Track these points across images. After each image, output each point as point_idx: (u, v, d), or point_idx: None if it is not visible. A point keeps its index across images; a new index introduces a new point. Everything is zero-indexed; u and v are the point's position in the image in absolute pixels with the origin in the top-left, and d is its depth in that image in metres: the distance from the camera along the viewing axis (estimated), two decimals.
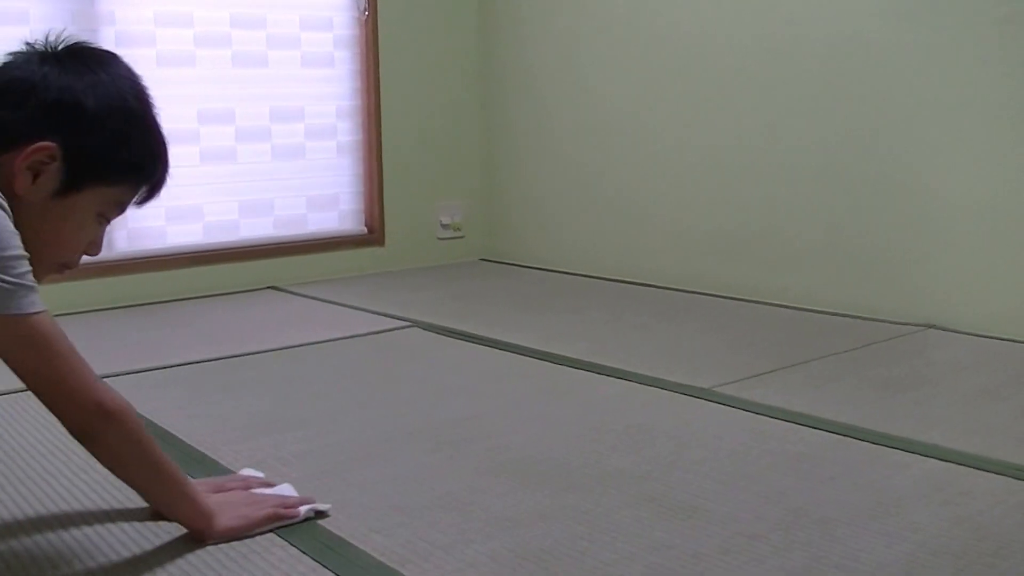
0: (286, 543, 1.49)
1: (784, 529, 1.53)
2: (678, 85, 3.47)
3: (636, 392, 2.27)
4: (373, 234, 3.96)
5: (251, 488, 1.63)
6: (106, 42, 3.16)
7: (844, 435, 1.95)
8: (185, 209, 3.50)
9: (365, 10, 3.87)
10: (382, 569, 1.41)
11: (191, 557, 1.44)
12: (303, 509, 1.57)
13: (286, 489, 1.64)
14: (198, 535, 1.48)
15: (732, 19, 3.27)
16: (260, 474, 1.73)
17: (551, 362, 2.53)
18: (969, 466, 1.78)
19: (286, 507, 1.55)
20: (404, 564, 1.43)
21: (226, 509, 1.51)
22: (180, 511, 1.48)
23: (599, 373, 2.42)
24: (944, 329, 2.80)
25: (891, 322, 2.89)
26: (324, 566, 1.42)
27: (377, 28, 3.88)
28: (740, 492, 1.68)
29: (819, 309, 3.08)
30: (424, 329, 2.92)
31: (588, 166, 3.81)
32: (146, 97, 1.46)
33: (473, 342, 2.75)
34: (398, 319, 3.05)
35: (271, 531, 1.52)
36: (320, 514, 1.59)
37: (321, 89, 3.83)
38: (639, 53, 3.58)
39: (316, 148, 3.83)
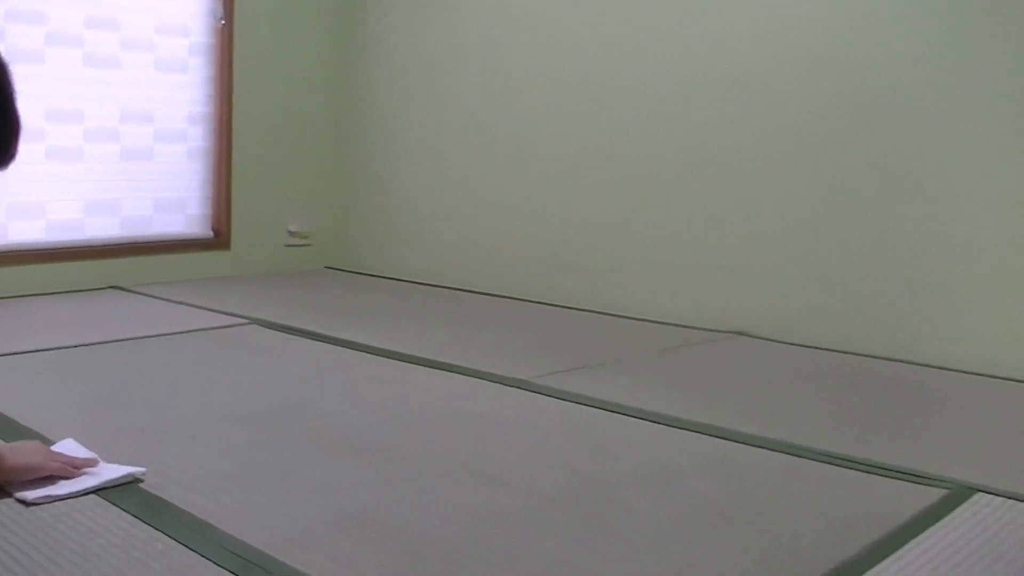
0: (108, 503, 1.58)
1: (575, 494, 1.69)
2: (521, 104, 3.65)
3: (458, 382, 2.42)
4: (220, 238, 4.02)
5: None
6: None
7: (639, 418, 2.14)
8: (28, 206, 3.51)
9: (221, 18, 3.94)
10: (200, 524, 1.52)
11: (13, 515, 1.52)
12: (121, 472, 1.67)
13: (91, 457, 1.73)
14: None
15: (569, 49, 3.48)
16: (81, 447, 1.80)
17: (380, 356, 2.67)
18: (745, 443, 1.98)
19: (74, 466, 1.66)
20: (222, 521, 1.53)
21: (16, 453, 1.63)
22: None
23: (424, 365, 2.57)
24: (751, 336, 3.03)
25: (704, 329, 3.12)
26: (144, 522, 1.51)
27: (233, 36, 3.96)
28: (542, 464, 1.84)
29: (641, 317, 3.29)
30: (263, 327, 3.02)
31: (436, 181, 3.96)
32: (8, 76, 1.53)
33: (309, 338, 2.86)
34: (238, 317, 3.13)
35: (94, 493, 1.61)
36: (136, 480, 1.68)
37: (173, 94, 3.88)
38: (491, 71, 3.75)
39: (165, 152, 3.88)
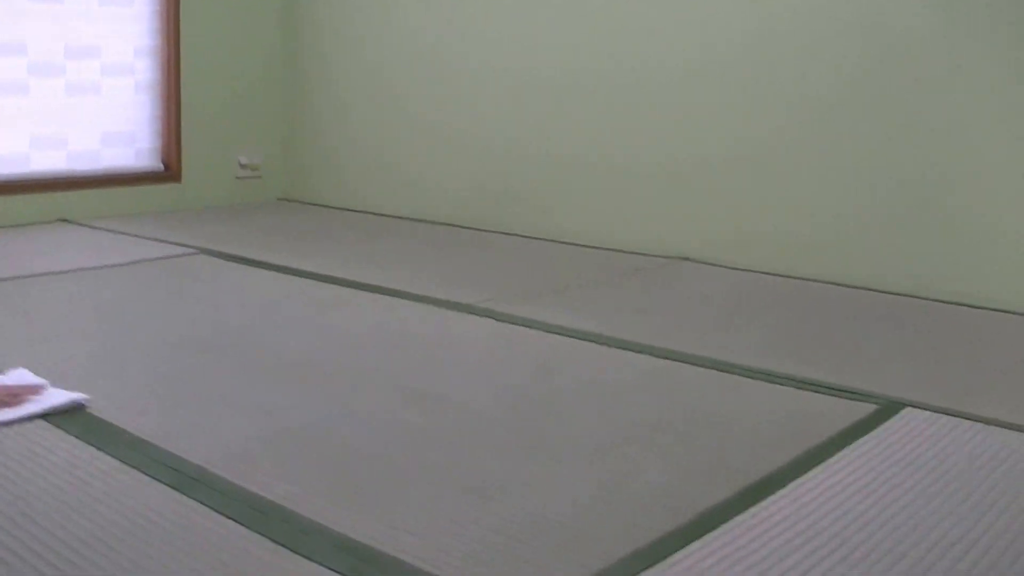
0: (52, 427, 1.58)
1: (514, 410, 1.71)
2: (474, 33, 3.62)
3: (404, 307, 2.43)
4: (170, 171, 3.98)
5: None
6: None
7: (580, 339, 2.16)
8: None
9: None
10: (142, 444, 1.52)
11: None
12: (66, 398, 1.66)
13: (46, 388, 1.73)
14: None
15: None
16: (32, 376, 1.79)
17: (328, 283, 2.66)
18: (682, 361, 2.01)
19: (12, 393, 1.66)
20: (164, 441, 1.54)
21: None
22: None
23: (371, 292, 2.57)
24: (696, 261, 3.06)
25: (650, 255, 3.14)
26: (87, 443, 1.52)
27: None
28: (482, 383, 1.85)
29: (589, 244, 3.30)
30: (211, 256, 3.00)
31: (388, 113, 3.93)
32: None
33: (257, 267, 2.85)
34: (187, 247, 3.11)
35: (40, 418, 1.61)
36: (80, 406, 1.67)
37: (120, 27, 3.81)
38: (437, 11, 3.72)
39: (112, 85, 3.81)
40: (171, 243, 3.19)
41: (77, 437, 1.54)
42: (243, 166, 4.17)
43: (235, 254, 3.02)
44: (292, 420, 1.65)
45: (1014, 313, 2.50)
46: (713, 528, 1.29)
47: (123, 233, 3.38)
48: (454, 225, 3.68)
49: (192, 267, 2.87)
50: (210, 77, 4.02)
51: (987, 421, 1.71)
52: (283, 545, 1.22)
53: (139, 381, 1.83)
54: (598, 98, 3.28)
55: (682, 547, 1.24)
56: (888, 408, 1.77)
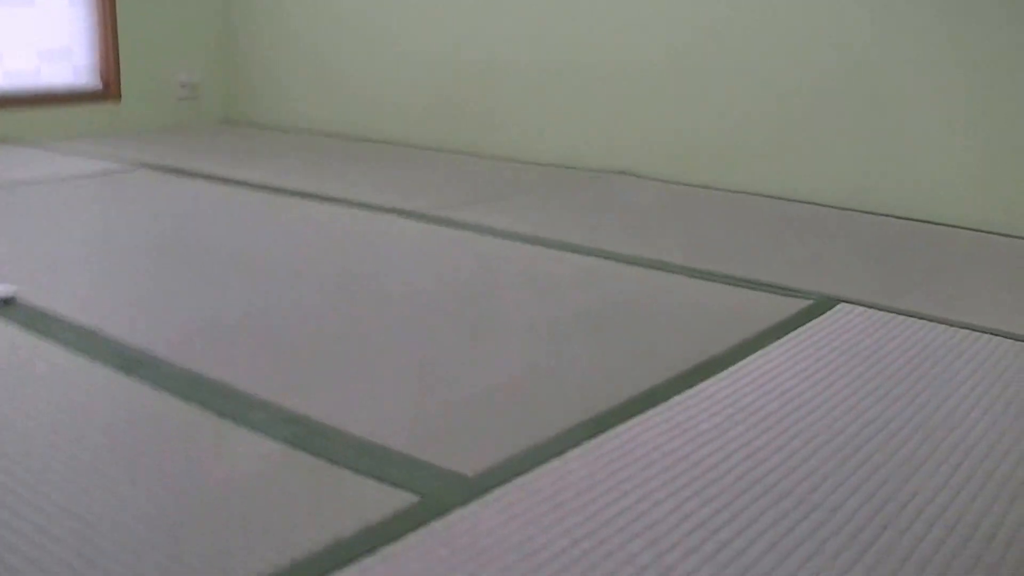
0: None
1: (456, 301, 1.70)
2: None
3: (351, 213, 2.40)
4: (109, 90, 3.87)
5: None
6: None
7: (522, 241, 2.16)
8: None
9: None
10: (85, 331, 1.49)
11: None
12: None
13: None
14: None
15: None
16: None
17: (273, 192, 2.62)
18: (621, 262, 2.01)
19: None
20: (109, 329, 1.51)
21: None
22: None
23: (318, 200, 2.53)
24: (634, 175, 3.06)
25: (591, 169, 3.13)
26: (30, 330, 1.49)
27: None
28: (423, 278, 1.84)
29: (532, 161, 3.28)
30: (154, 170, 2.93)
31: (330, 31, 3.85)
32: None
33: (201, 179, 2.79)
34: (127, 163, 3.04)
35: None
36: (9, 299, 1.64)
37: None
38: None
39: None
40: (111, 160, 3.11)
41: (20, 324, 1.51)
42: (183, 85, 4.07)
43: (179, 167, 2.96)
44: (235, 311, 1.62)
45: (938, 224, 2.53)
46: (655, 404, 1.30)
47: (63, 151, 3.30)
48: (399, 143, 3.63)
49: (134, 180, 2.80)
50: None
51: (916, 315, 1.73)
52: (228, 418, 1.21)
53: (83, 279, 1.79)
54: (544, 13, 3.24)
55: (625, 420, 1.24)
56: (822, 303, 1.79)
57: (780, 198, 2.80)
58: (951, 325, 1.69)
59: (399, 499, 1.02)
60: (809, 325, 1.66)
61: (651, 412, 1.27)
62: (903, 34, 2.58)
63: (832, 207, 2.71)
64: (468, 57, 3.44)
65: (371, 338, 1.52)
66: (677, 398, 1.33)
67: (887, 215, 2.62)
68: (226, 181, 2.76)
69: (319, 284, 1.80)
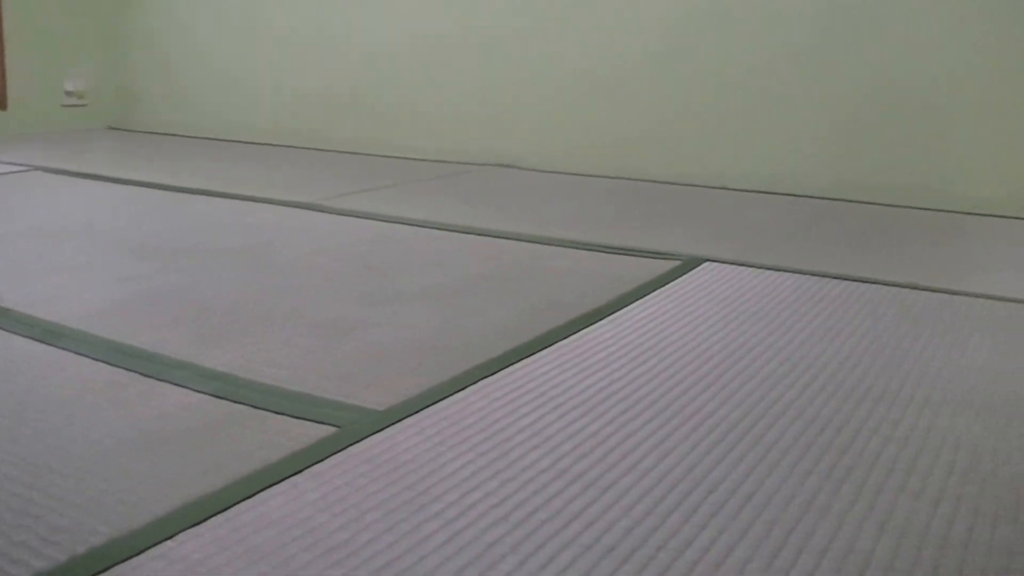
0: None
1: (360, 271, 1.77)
2: None
3: (245, 207, 2.44)
4: None
5: None
6: None
7: (416, 225, 2.23)
8: None
9: None
10: (10, 313, 1.52)
11: None
12: None
13: None
14: None
15: None
16: None
17: (167, 190, 2.64)
18: (509, 239, 2.11)
19: None
20: (26, 307, 1.53)
21: None
22: None
23: (212, 196, 2.56)
24: (516, 167, 3.16)
25: (475, 163, 3.22)
26: None
27: None
28: (326, 255, 1.91)
29: (423, 157, 3.36)
30: (47, 172, 2.92)
31: (216, 39, 3.86)
32: None
33: (97, 180, 2.79)
34: (19, 165, 3.02)
35: None
36: None
37: None
38: None
39: None
40: (3, 162, 3.08)
41: None
42: (69, 93, 4.03)
43: (71, 170, 2.95)
44: (149, 285, 1.67)
45: (794, 196, 2.69)
46: (547, 346, 1.40)
47: None
48: (287, 145, 3.67)
49: (28, 181, 2.79)
50: (35, 2, 3.85)
51: (770, 268, 1.87)
52: (153, 377, 1.26)
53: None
54: (427, 11, 3.32)
55: (518, 360, 1.34)
56: (689, 262, 1.91)
57: (655, 181, 2.94)
58: (800, 274, 1.83)
59: (320, 431, 1.10)
60: (679, 280, 1.79)
61: (543, 352, 1.37)
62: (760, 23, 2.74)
63: (702, 186, 2.85)
64: (353, 58, 3.50)
65: (279, 305, 1.58)
66: (565, 341, 1.42)
67: (751, 191, 2.78)
68: (122, 182, 2.77)
69: (229, 261, 1.85)
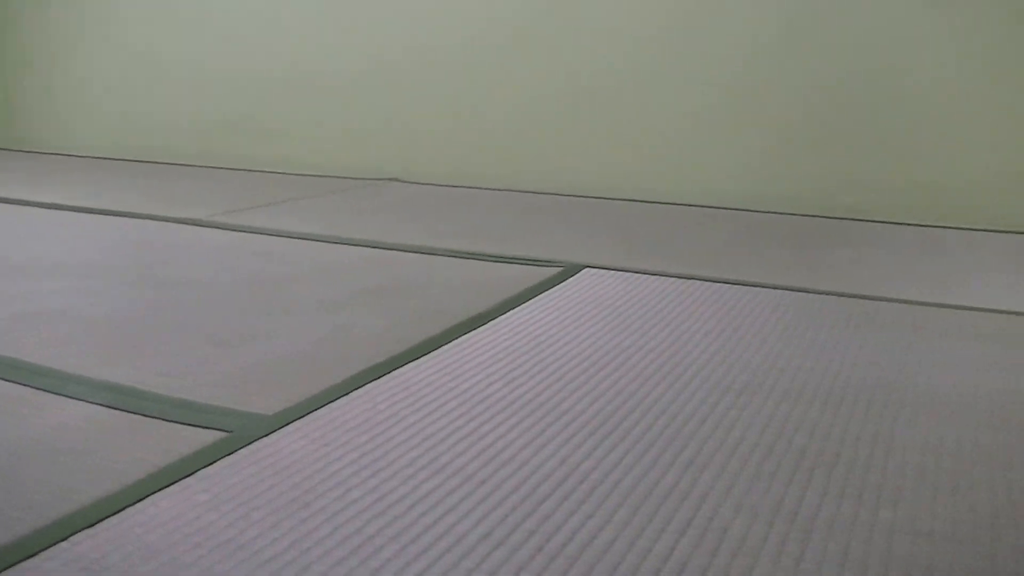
0: None
1: (251, 286, 1.80)
2: None
3: (135, 224, 2.44)
4: None
5: None
6: None
7: (305, 239, 2.27)
8: None
9: None
10: None
11: None
12: None
13: None
14: None
15: None
16: None
17: (61, 210, 2.62)
18: (393, 249, 2.15)
19: None
20: None
21: None
22: None
23: (99, 214, 2.55)
24: (403, 181, 3.21)
25: (363, 178, 3.26)
26: None
27: None
28: (218, 271, 1.93)
29: (307, 173, 3.38)
30: None
31: (101, 58, 3.81)
32: None
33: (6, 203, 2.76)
34: None
35: None
36: None
37: None
38: None
39: None
40: None
41: None
42: None
43: None
44: (40, 304, 1.67)
45: (669, 204, 2.80)
46: (428, 352, 1.45)
47: None
48: (176, 163, 3.65)
49: None
50: None
51: (648, 273, 1.96)
52: (48, 391, 1.27)
53: None
54: (310, 27, 3.35)
55: (402, 365, 1.39)
56: (570, 269, 1.99)
57: (535, 192, 3.02)
58: (679, 278, 1.92)
59: (210, 436, 1.13)
60: (559, 286, 1.86)
61: (424, 358, 1.42)
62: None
63: (582, 196, 2.94)
64: (240, 73, 3.50)
65: (171, 319, 1.60)
66: (447, 346, 1.48)
67: (630, 199, 2.88)
68: (8, 201, 2.73)
69: (120, 279, 1.85)
